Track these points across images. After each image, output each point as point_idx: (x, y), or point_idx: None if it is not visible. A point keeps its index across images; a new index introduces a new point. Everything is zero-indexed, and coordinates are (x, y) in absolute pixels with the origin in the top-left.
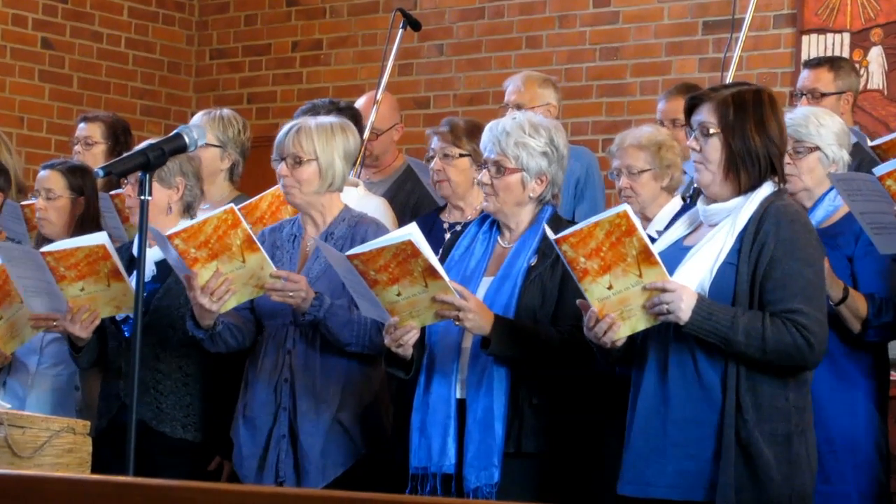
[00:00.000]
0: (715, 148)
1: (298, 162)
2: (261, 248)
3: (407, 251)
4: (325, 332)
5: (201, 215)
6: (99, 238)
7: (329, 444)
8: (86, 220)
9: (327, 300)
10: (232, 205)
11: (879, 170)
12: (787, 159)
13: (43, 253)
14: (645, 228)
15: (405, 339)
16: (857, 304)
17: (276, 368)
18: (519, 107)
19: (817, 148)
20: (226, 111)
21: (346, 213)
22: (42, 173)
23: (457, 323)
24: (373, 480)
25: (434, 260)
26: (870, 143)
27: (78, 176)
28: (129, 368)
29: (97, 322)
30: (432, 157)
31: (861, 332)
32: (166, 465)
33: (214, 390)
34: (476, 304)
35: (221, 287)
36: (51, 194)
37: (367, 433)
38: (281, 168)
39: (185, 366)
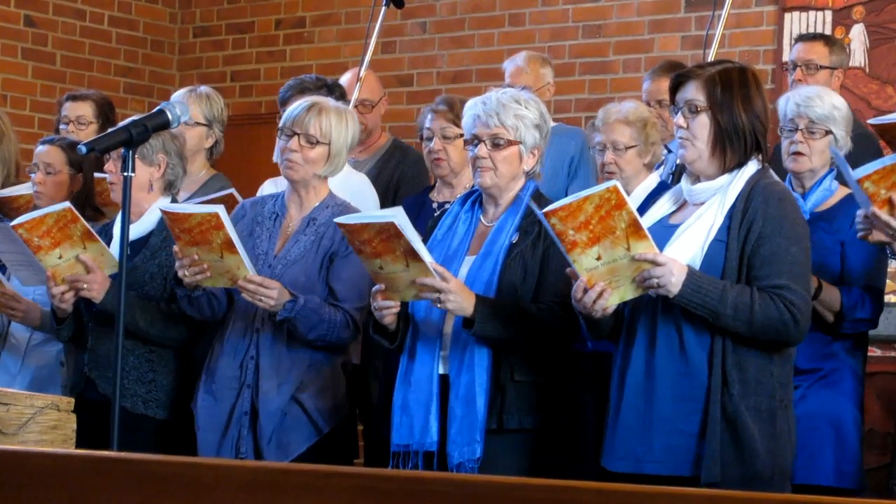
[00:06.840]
0: (703, 125)
1: (312, 142)
2: (240, 250)
3: (390, 231)
4: (291, 328)
5: (190, 207)
6: (64, 202)
7: (288, 423)
8: (80, 198)
9: (300, 301)
10: (221, 208)
11: (858, 173)
12: (799, 137)
13: (14, 226)
14: None
15: (383, 312)
16: (831, 298)
17: (244, 345)
18: (524, 88)
19: (831, 132)
20: (205, 88)
21: (330, 200)
22: (41, 148)
23: (438, 305)
24: (334, 459)
25: (417, 243)
26: (870, 121)
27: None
28: (94, 343)
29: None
30: (430, 137)
31: (836, 324)
32: (124, 441)
33: (186, 369)
34: (457, 286)
35: (196, 268)
36: (50, 169)
37: (327, 412)
38: (292, 143)
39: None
